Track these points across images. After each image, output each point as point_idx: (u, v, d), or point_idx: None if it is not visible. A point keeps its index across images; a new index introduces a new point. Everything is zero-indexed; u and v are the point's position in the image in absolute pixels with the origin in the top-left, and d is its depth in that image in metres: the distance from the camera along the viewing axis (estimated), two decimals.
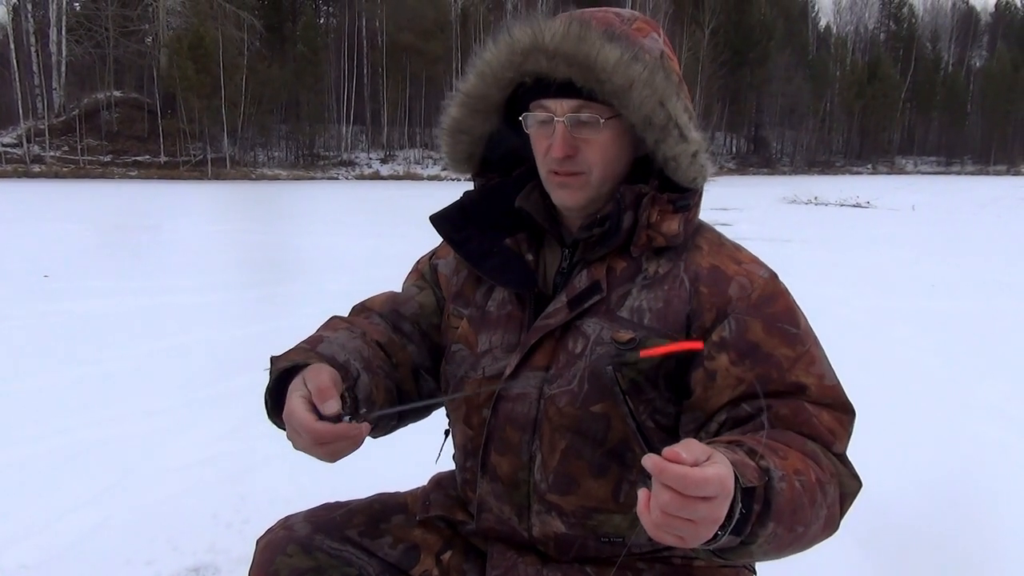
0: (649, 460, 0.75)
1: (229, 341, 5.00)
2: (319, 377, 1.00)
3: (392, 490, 1.39)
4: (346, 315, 1.34)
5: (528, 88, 1.12)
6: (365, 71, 42.28)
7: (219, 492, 2.69)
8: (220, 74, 33.57)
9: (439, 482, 1.35)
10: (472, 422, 1.20)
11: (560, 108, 1.09)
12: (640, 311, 1.11)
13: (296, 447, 1.01)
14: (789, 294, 1.15)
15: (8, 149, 31.41)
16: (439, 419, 1.31)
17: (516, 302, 1.19)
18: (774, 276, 1.15)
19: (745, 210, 18.31)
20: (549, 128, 1.11)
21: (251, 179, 32.86)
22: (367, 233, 12.74)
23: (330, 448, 0.97)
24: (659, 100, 1.07)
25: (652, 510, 0.77)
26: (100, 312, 5.97)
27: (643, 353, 0.99)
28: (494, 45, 1.12)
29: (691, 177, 1.12)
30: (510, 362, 1.15)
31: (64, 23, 34.75)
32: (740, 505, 0.83)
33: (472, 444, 1.21)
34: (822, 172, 52.41)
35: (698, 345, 1.02)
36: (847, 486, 1.03)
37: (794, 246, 11.50)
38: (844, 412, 1.08)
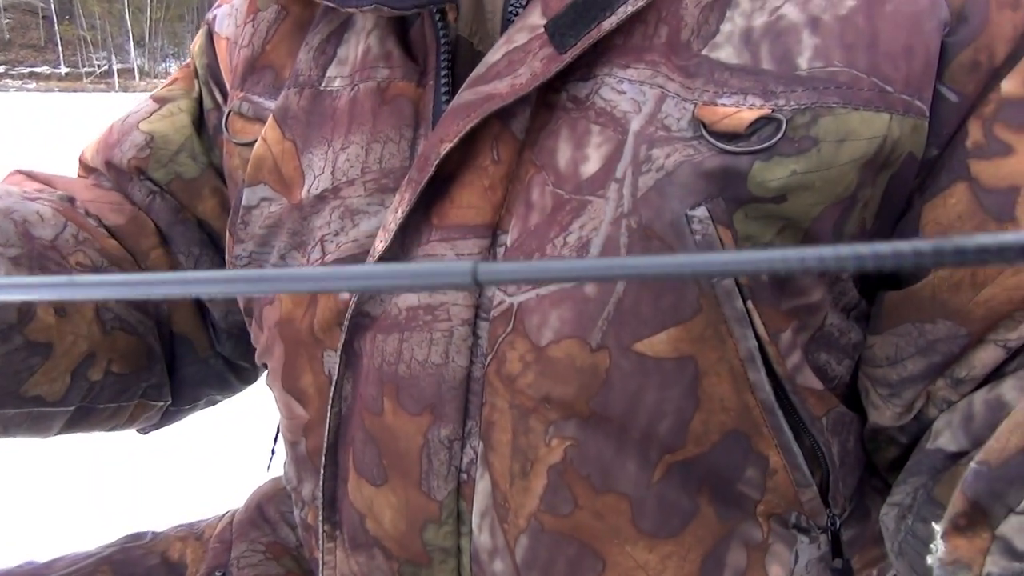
0: None
1: None
2: None
3: (184, 520, 0.65)
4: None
5: None
6: None
7: None
8: None
9: (261, 507, 0.62)
10: (302, 389, 0.47)
11: None
12: (780, 32, 0.38)
13: None
14: None
15: None
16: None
17: (399, 58, 0.45)
18: None
19: None
20: None
21: None
22: None
23: None
24: None
25: None
26: None
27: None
28: None
29: None
30: (387, 217, 0.42)
31: None
32: None
33: (309, 445, 0.49)
34: None
35: None
36: None
37: None
38: None
